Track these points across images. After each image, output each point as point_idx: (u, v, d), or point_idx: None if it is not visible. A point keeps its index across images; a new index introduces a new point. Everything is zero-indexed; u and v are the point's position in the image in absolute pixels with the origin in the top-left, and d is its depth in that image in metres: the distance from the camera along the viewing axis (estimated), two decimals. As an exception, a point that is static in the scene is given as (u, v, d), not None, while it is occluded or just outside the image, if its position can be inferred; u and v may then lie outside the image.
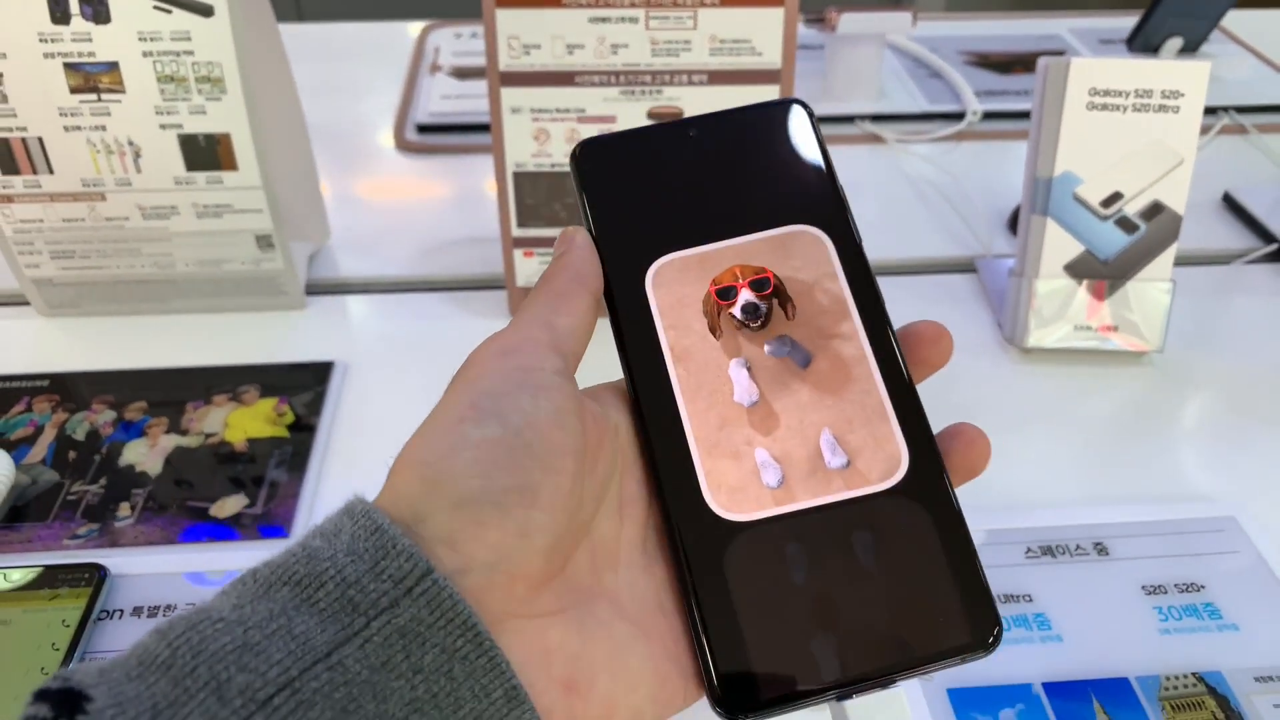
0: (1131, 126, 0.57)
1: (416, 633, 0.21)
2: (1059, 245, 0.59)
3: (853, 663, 0.24)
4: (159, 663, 0.19)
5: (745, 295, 0.27)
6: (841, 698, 0.24)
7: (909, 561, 0.25)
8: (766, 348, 0.27)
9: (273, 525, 0.50)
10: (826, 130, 0.87)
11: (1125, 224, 0.58)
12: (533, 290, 0.27)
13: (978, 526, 0.49)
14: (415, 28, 1.05)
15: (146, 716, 0.19)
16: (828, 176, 0.29)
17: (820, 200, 0.28)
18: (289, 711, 0.19)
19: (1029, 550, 0.48)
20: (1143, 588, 0.46)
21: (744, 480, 0.26)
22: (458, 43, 0.99)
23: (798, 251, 0.28)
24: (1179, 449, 0.56)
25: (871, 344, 0.27)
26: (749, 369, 0.27)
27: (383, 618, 0.20)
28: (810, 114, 0.30)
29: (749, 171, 0.29)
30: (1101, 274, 0.59)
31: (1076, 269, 0.59)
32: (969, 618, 0.24)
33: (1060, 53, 0.99)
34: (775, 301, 0.28)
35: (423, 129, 0.85)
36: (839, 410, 0.27)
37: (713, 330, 0.27)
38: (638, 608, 0.25)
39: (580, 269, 0.27)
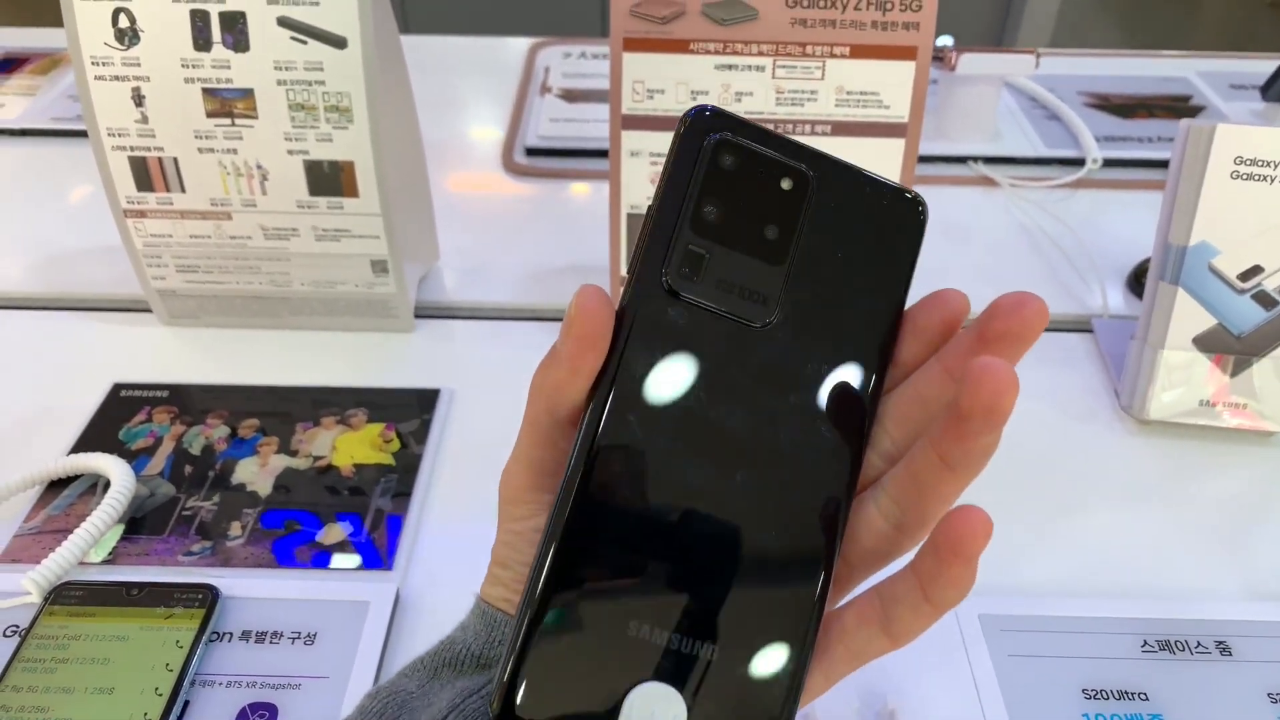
0: (1278, 198, 0.54)
1: None
2: (1189, 316, 0.56)
3: None
4: (374, 713, 0.28)
5: None
6: None
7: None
8: None
9: (376, 556, 0.50)
10: (936, 170, 0.85)
11: (1263, 299, 0.55)
12: (524, 414, 0.28)
13: (1089, 613, 0.48)
14: (523, 44, 1.06)
15: None
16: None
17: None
18: None
19: (1145, 644, 0.46)
20: (1269, 695, 0.44)
21: None
22: (566, 63, 1.00)
23: None
24: (1309, 541, 0.53)
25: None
26: None
27: None
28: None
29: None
30: (1234, 349, 0.56)
31: (1206, 342, 0.57)
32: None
33: (1187, 98, 0.95)
34: None
35: (531, 152, 0.85)
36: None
37: None
38: None
39: (550, 399, 0.27)
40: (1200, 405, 0.58)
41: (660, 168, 0.57)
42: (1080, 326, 0.68)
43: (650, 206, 0.26)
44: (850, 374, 0.26)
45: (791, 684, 0.24)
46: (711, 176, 0.25)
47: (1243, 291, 0.56)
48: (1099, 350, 0.66)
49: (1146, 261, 0.71)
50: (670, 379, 0.25)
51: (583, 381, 0.25)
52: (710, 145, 0.26)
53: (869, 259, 0.26)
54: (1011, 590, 0.50)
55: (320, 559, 0.50)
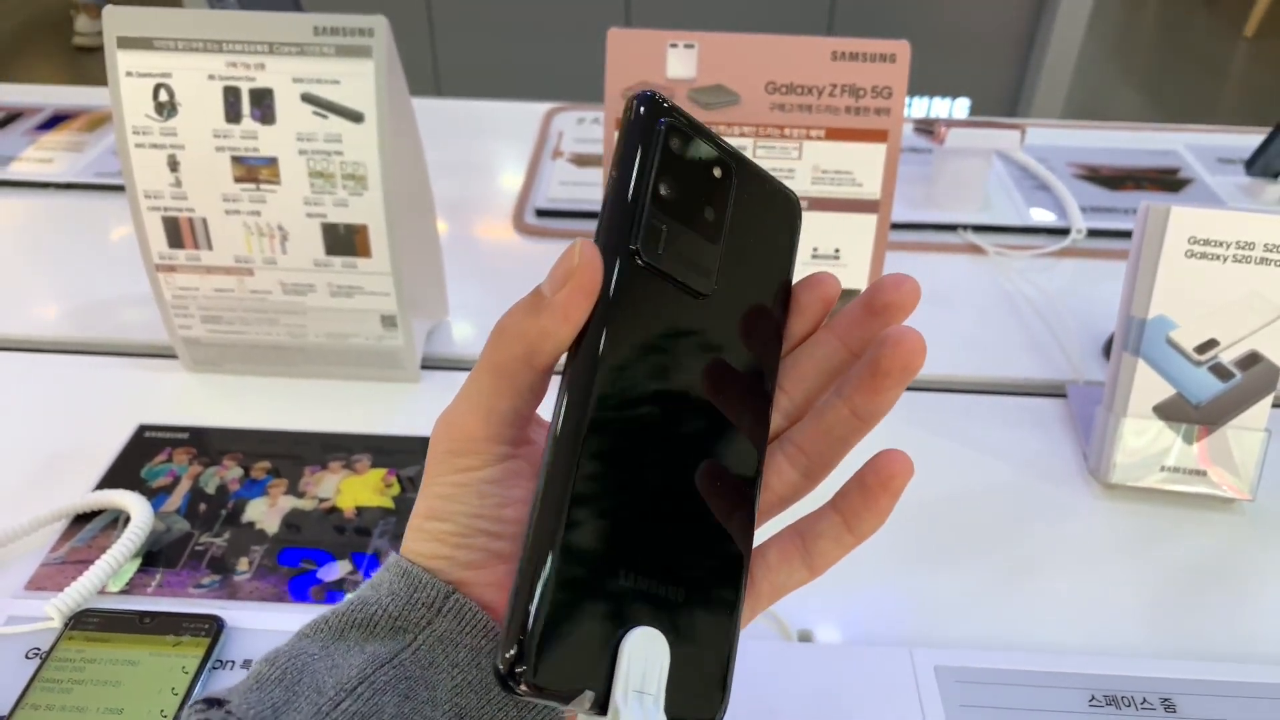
0: (1231, 276, 0.57)
1: (450, 638, 0.27)
2: (1149, 386, 0.59)
3: None
4: (272, 679, 0.27)
5: None
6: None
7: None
8: None
9: (372, 593, 0.54)
10: (926, 237, 0.89)
11: (1220, 371, 0.58)
12: (478, 362, 0.28)
13: (1040, 667, 0.50)
14: (543, 109, 1.11)
15: (269, 713, 0.25)
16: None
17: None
18: (369, 698, 0.26)
19: (1093, 699, 0.48)
20: (1208, 751, 0.46)
21: None
22: (579, 128, 1.05)
23: None
24: (1264, 605, 0.55)
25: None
26: None
27: (425, 632, 0.27)
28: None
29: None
30: (1192, 418, 0.59)
31: (1166, 411, 0.59)
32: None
33: (1175, 171, 0.99)
34: None
35: (541, 213, 0.90)
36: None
37: None
38: None
39: (531, 345, 0.26)
40: (1161, 471, 0.60)
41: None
42: (1055, 391, 0.71)
43: (611, 180, 0.28)
44: (762, 343, 0.30)
45: (734, 616, 0.27)
46: (666, 158, 0.28)
47: (1200, 363, 0.58)
48: (1071, 415, 0.68)
49: (1122, 330, 0.74)
50: (641, 340, 0.27)
51: (570, 331, 0.26)
52: (663, 128, 0.28)
53: (769, 244, 0.31)
54: (968, 643, 0.52)
55: (323, 595, 0.54)
